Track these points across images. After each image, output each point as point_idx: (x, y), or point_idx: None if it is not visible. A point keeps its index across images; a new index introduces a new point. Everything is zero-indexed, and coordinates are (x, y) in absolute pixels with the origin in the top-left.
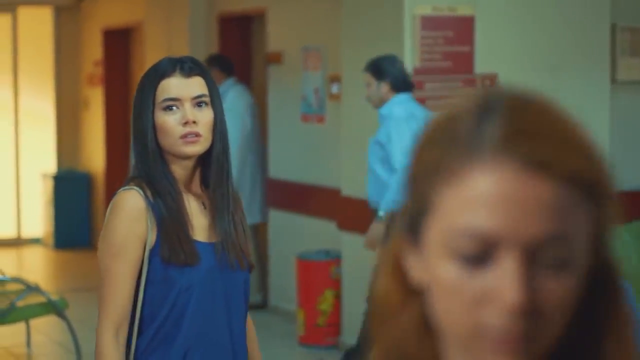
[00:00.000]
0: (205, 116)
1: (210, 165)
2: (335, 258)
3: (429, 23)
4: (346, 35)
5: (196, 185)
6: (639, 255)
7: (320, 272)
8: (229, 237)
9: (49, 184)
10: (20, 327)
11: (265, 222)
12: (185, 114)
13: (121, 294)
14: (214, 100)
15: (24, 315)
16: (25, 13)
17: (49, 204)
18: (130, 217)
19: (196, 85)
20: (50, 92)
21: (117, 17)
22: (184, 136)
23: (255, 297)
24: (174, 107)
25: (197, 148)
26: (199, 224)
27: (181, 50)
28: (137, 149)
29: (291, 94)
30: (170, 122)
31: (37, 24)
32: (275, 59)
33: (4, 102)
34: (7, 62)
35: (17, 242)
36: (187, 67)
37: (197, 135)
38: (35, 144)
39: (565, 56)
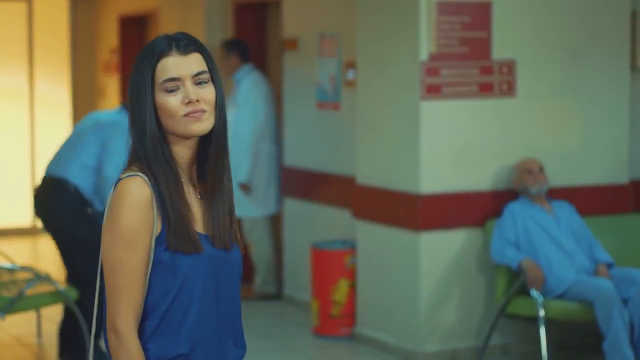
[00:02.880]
0: (208, 93)
1: (210, 145)
2: (350, 247)
3: (446, 8)
4: (362, 21)
5: (194, 171)
6: None
7: (335, 261)
8: (224, 225)
9: None
10: (30, 316)
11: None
12: (187, 93)
13: (138, 286)
14: (214, 76)
15: (33, 304)
16: (41, 0)
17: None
18: (138, 205)
19: (195, 63)
20: (66, 80)
21: (133, 4)
22: (189, 114)
23: (270, 287)
24: (176, 87)
25: (204, 125)
26: (197, 214)
27: (197, 37)
28: (136, 134)
29: (306, 81)
30: (173, 102)
31: (53, 12)
32: (291, 45)
33: (20, 90)
34: (23, 50)
35: (32, 231)
36: (184, 44)
37: (203, 111)
38: (51, 132)
39: (584, 43)
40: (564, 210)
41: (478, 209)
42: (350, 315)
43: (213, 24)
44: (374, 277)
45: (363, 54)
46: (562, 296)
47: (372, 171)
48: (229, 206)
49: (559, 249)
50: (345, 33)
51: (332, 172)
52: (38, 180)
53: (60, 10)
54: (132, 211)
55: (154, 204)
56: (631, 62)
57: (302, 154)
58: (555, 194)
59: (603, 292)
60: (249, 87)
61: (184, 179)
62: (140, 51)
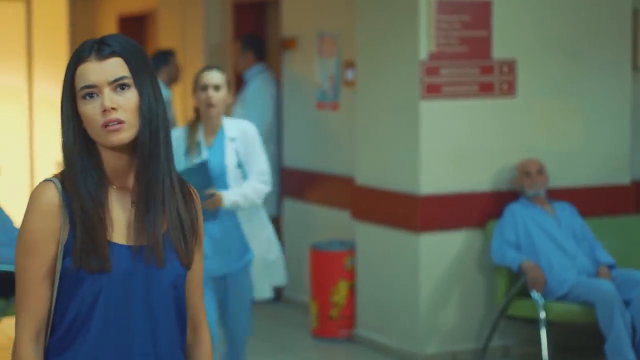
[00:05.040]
0: (128, 100)
1: (142, 157)
2: (349, 248)
3: (445, 7)
4: (361, 20)
5: (131, 177)
6: None
7: (334, 262)
8: (155, 236)
9: None
10: None
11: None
12: (103, 101)
13: (37, 296)
14: (139, 80)
15: None
16: (40, 0)
17: None
18: (42, 212)
19: (113, 68)
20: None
21: (132, 4)
22: (105, 124)
23: None
24: (94, 95)
25: (122, 136)
26: (121, 223)
27: (196, 36)
28: (61, 141)
29: (306, 80)
30: (90, 111)
31: (52, 11)
32: (290, 44)
33: (18, 90)
34: (22, 49)
35: None
36: (104, 48)
37: (120, 122)
38: (49, 132)
39: (586, 42)
40: (565, 211)
41: (478, 210)
42: (349, 317)
43: (212, 23)
44: (374, 278)
45: (362, 53)
46: (563, 298)
47: (371, 172)
48: (179, 220)
49: (560, 250)
50: (345, 32)
51: (331, 172)
52: (36, 181)
53: (59, 9)
54: (35, 217)
55: (62, 211)
56: (633, 62)
57: (301, 155)
58: (557, 194)
59: (604, 293)
60: (258, 86)
61: (116, 185)
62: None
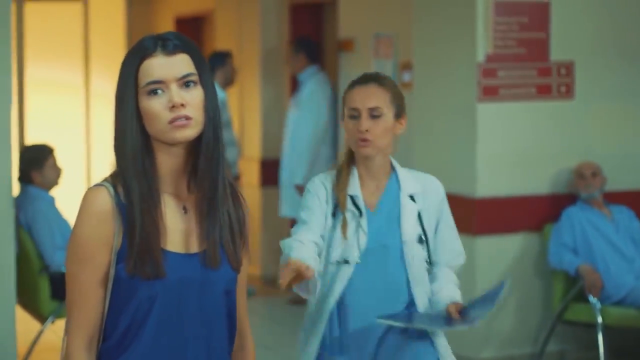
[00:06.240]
0: (195, 97)
1: (200, 154)
2: None
3: (503, 8)
4: (418, 22)
5: (183, 182)
6: None
7: None
8: (213, 242)
9: None
10: None
11: None
12: (171, 97)
13: (90, 303)
14: (204, 78)
15: None
16: (97, 1)
17: None
18: (95, 218)
19: (181, 64)
20: None
21: (188, 5)
22: (173, 120)
23: None
24: (159, 91)
25: (188, 132)
26: (174, 230)
27: (252, 38)
28: (116, 142)
29: None
30: (156, 107)
31: (109, 12)
32: (347, 46)
33: (75, 90)
34: (79, 50)
35: None
36: (170, 44)
37: (187, 118)
38: (106, 133)
39: None
40: (623, 215)
41: (535, 213)
42: None
43: (269, 24)
44: None
45: (419, 55)
46: (620, 302)
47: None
48: (229, 222)
49: (618, 254)
50: (402, 34)
51: None
52: (93, 180)
53: (116, 10)
54: (88, 223)
55: (115, 217)
56: None
57: None
58: (614, 197)
59: None
60: (313, 88)
61: (168, 191)
62: (126, 52)
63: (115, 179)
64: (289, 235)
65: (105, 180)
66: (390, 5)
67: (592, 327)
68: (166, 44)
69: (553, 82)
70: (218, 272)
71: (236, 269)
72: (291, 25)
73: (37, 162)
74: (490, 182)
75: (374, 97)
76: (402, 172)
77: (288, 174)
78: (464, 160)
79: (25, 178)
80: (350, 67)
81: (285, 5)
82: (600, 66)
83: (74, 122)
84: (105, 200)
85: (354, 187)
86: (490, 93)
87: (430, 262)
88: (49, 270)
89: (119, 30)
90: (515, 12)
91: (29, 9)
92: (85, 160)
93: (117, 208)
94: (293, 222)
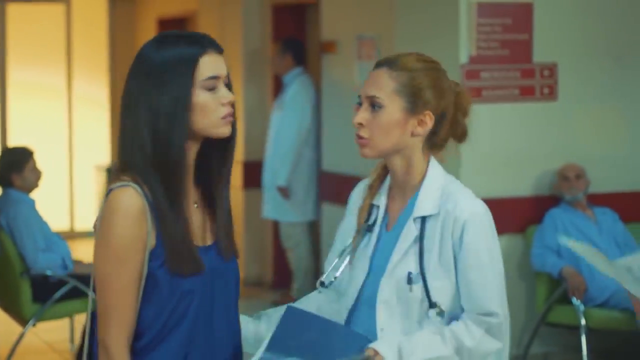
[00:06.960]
0: (233, 96)
1: (227, 151)
2: None
3: (486, 10)
4: (400, 23)
5: (191, 177)
6: None
7: None
8: (226, 236)
9: (103, 176)
10: (64, 322)
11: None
12: (226, 94)
13: (129, 303)
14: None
15: (65, 310)
16: (80, 2)
17: (102, 196)
18: (130, 218)
19: (225, 64)
20: (105, 83)
21: (171, 7)
22: (226, 116)
23: (307, 293)
24: (215, 87)
25: (230, 128)
26: (194, 224)
27: (235, 39)
28: (155, 134)
29: (345, 84)
30: (213, 101)
31: (92, 14)
32: (329, 48)
33: (57, 93)
34: (61, 52)
35: (70, 235)
36: (216, 44)
37: (232, 115)
38: (89, 136)
39: (629, 45)
40: (607, 217)
41: (519, 215)
42: None
43: (251, 26)
44: None
45: None
46: (604, 304)
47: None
48: (228, 215)
49: None
50: (384, 35)
51: None
52: (76, 184)
53: (98, 11)
54: (123, 224)
55: (148, 215)
56: None
57: (340, 159)
58: (598, 200)
59: None
60: (297, 90)
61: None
62: (167, 44)
63: (133, 178)
64: (271, 236)
65: (125, 180)
66: (373, 7)
67: (575, 329)
68: (215, 43)
69: (536, 83)
70: (232, 263)
71: (238, 258)
72: (273, 26)
73: (17, 165)
74: (474, 184)
75: (374, 84)
76: (429, 187)
77: (271, 176)
78: (447, 161)
79: (5, 181)
80: (333, 69)
81: (268, 6)
82: (583, 68)
83: (56, 125)
84: (137, 200)
85: (381, 195)
86: (473, 94)
87: (430, 305)
88: (30, 273)
89: (102, 32)
90: (498, 14)
91: (11, 10)
92: (67, 163)
93: (148, 207)
94: (275, 224)
